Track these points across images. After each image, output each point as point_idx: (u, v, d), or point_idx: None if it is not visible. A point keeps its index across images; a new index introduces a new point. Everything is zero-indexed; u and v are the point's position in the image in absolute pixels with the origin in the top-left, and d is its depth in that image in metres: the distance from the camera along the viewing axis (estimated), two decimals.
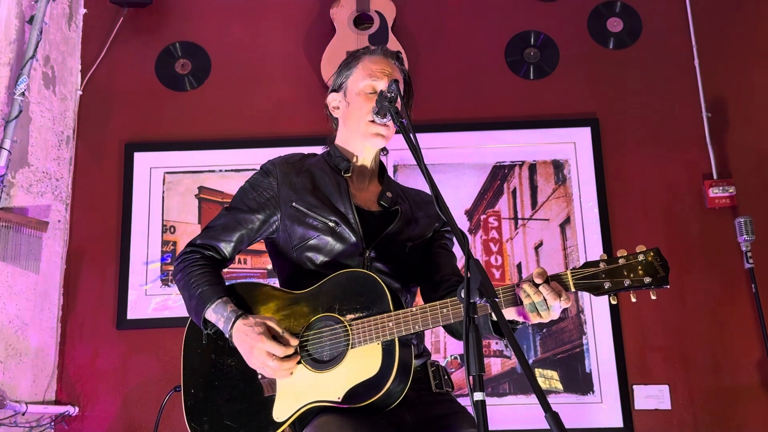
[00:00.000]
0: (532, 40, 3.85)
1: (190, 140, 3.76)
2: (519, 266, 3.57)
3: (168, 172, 3.72)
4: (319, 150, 2.18)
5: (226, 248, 1.99)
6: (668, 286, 1.65)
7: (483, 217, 3.64)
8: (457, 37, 3.89)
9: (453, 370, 3.44)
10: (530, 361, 3.45)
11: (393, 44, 3.67)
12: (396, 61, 2.08)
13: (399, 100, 1.86)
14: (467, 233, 3.61)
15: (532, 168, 3.69)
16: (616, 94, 3.77)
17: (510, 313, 1.74)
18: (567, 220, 3.62)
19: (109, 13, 3.90)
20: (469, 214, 3.65)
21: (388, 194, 2.05)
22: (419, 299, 2.08)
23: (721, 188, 3.55)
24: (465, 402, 1.69)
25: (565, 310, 3.50)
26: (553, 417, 1.31)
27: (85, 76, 3.83)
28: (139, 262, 3.60)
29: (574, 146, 3.69)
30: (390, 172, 3.61)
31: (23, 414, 3.11)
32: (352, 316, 1.80)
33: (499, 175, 3.69)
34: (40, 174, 3.48)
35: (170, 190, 3.70)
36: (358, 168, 2.08)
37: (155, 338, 3.48)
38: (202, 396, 1.90)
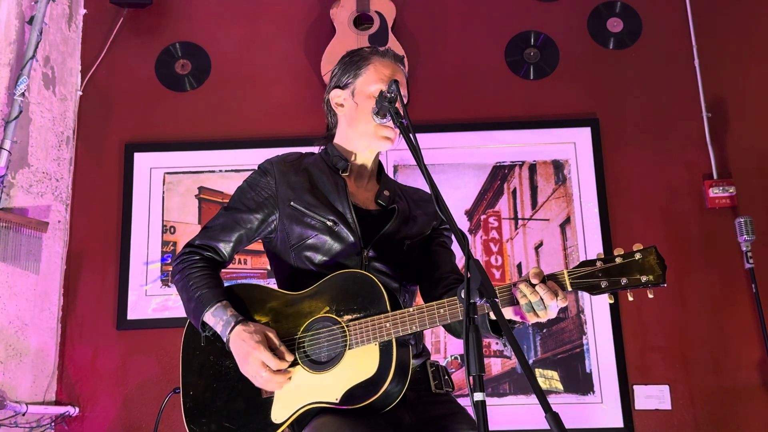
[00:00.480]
0: (532, 40, 3.85)
1: (190, 140, 3.76)
2: (519, 266, 3.57)
3: (168, 173, 3.72)
4: (316, 149, 2.17)
5: (225, 248, 1.99)
6: (665, 285, 1.65)
7: (483, 217, 3.64)
8: (457, 38, 3.89)
9: (453, 370, 3.44)
10: (530, 362, 3.45)
11: (393, 44, 3.67)
12: (402, 66, 2.07)
13: (399, 100, 1.86)
14: (467, 233, 3.61)
15: (532, 168, 3.69)
16: (616, 94, 3.77)
17: (507, 313, 1.74)
18: (567, 220, 3.62)
19: (109, 14, 3.90)
20: (469, 214, 3.65)
21: (386, 193, 2.05)
22: (419, 298, 2.08)
23: (721, 188, 3.55)
24: (465, 402, 1.69)
25: (564, 310, 3.53)
26: (553, 417, 1.31)
27: (85, 77, 3.83)
28: (139, 262, 3.60)
29: (574, 146, 3.69)
30: (390, 173, 3.62)
31: (23, 414, 3.10)
32: (349, 317, 1.80)
33: (499, 175, 3.69)
34: (40, 174, 3.48)
35: (170, 191, 3.70)
36: (357, 167, 2.08)
37: (155, 339, 3.48)
38: (201, 398, 1.90)
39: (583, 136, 3.70)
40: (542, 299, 1.65)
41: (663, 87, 3.76)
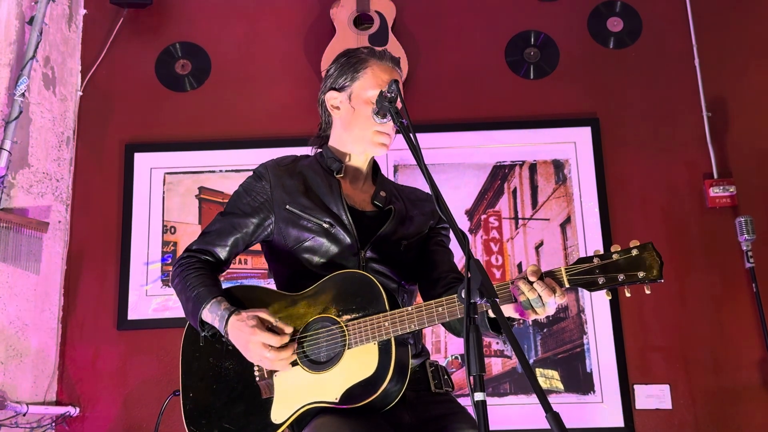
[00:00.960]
0: (533, 39, 3.85)
1: (191, 141, 3.76)
2: (519, 266, 3.57)
3: (168, 173, 3.72)
4: (312, 151, 2.16)
5: (222, 252, 1.99)
6: (662, 281, 1.65)
7: (483, 217, 3.64)
8: (457, 37, 3.89)
9: (454, 369, 3.44)
10: (531, 361, 3.45)
11: (393, 44, 3.67)
12: (399, 69, 2.07)
13: (399, 100, 1.86)
14: (468, 233, 3.61)
15: (533, 168, 3.69)
16: (616, 93, 3.77)
17: (506, 310, 1.74)
18: (567, 220, 3.62)
19: (109, 14, 3.90)
20: (470, 214, 3.65)
21: (382, 194, 2.05)
22: (419, 298, 2.08)
23: (721, 188, 3.55)
24: (465, 402, 1.69)
25: (564, 309, 3.53)
26: (553, 417, 1.31)
27: (85, 77, 3.83)
28: (140, 262, 3.60)
29: (574, 146, 3.69)
30: (390, 173, 3.62)
31: (24, 415, 3.11)
32: (348, 316, 1.80)
33: (500, 174, 3.69)
34: (41, 175, 3.48)
35: (170, 191, 3.70)
36: (352, 169, 2.08)
37: (156, 339, 3.48)
38: (201, 399, 1.90)
39: (583, 135, 3.70)
40: (540, 296, 1.65)
41: (663, 86, 3.76)
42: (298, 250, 1.95)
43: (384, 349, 1.73)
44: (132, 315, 3.53)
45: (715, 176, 3.59)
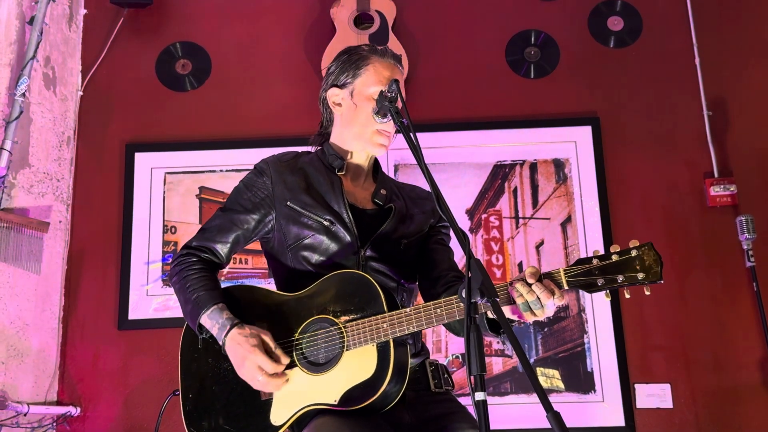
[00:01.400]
0: (533, 39, 3.85)
1: (191, 140, 3.76)
2: (520, 265, 3.57)
3: (169, 173, 3.72)
4: (313, 148, 2.16)
5: (222, 250, 1.98)
6: (662, 281, 1.63)
7: (484, 216, 3.64)
8: (457, 37, 3.88)
9: (455, 369, 3.44)
10: (531, 360, 3.45)
11: (393, 44, 3.66)
12: (400, 66, 2.06)
13: (399, 99, 1.85)
14: (468, 232, 3.60)
15: (533, 167, 3.69)
16: (616, 92, 3.77)
17: (505, 312, 1.72)
18: (568, 219, 3.62)
19: (109, 14, 3.90)
20: (470, 213, 3.65)
21: (383, 191, 2.04)
22: (420, 297, 2.08)
23: (722, 187, 3.55)
24: (466, 401, 1.69)
25: (565, 309, 3.53)
26: (554, 416, 1.30)
27: (86, 77, 3.83)
28: (140, 262, 3.60)
29: (574, 145, 3.69)
30: (391, 172, 3.62)
31: (25, 415, 3.11)
32: (346, 317, 1.79)
33: (500, 174, 3.69)
34: (41, 175, 3.48)
35: (171, 191, 3.70)
36: (353, 166, 2.07)
37: (156, 338, 3.48)
38: (201, 400, 1.89)
39: (583, 134, 3.70)
40: (539, 298, 1.64)
41: (664, 85, 3.76)
42: (297, 247, 1.94)
43: (382, 350, 1.73)
44: (133, 315, 3.53)
45: (716, 175, 3.59)
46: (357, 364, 1.74)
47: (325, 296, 1.84)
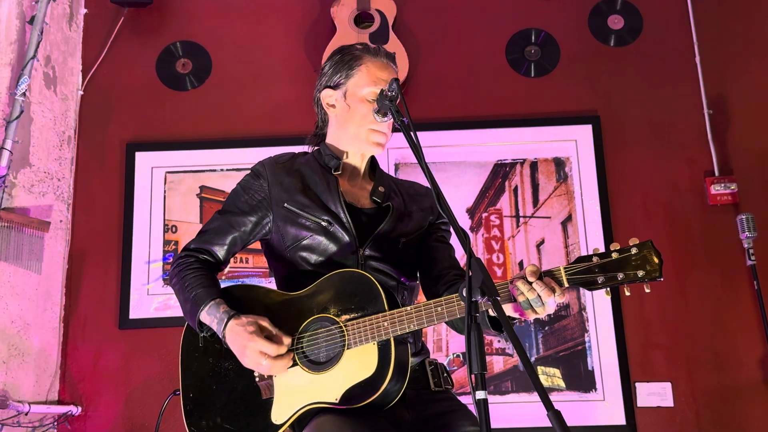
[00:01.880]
0: (533, 37, 3.85)
1: (192, 140, 3.76)
2: (521, 264, 3.57)
3: (169, 172, 3.72)
4: (309, 148, 2.16)
5: (220, 251, 1.99)
6: (662, 279, 1.63)
7: (484, 215, 3.64)
8: (457, 35, 3.88)
9: (456, 368, 3.44)
10: (532, 359, 3.45)
11: (393, 43, 3.66)
12: (394, 65, 2.05)
13: (400, 99, 1.85)
14: (469, 231, 3.60)
15: (534, 166, 3.69)
16: (617, 91, 3.77)
17: (506, 310, 1.72)
18: (569, 218, 3.62)
19: (109, 13, 3.90)
20: (471, 212, 3.65)
21: (380, 189, 2.03)
22: (422, 295, 2.08)
23: (722, 185, 3.55)
24: (466, 400, 1.69)
25: (566, 307, 3.53)
26: (555, 415, 1.30)
27: (86, 76, 3.83)
28: (141, 261, 3.61)
29: (575, 144, 3.69)
30: (391, 171, 3.62)
31: (26, 414, 3.11)
32: (347, 316, 1.79)
33: (501, 173, 3.69)
34: (42, 174, 3.48)
35: (172, 190, 3.70)
36: (350, 166, 2.07)
37: (157, 338, 3.48)
38: (201, 400, 1.90)
39: (584, 133, 3.70)
40: (539, 296, 1.64)
41: (664, 84, 3.76)
42: (296, 248, 1.95)
43: (383, 349, 1.73)
44: (134, 314, 3.54)
45: (716, 174, 3.59)
46: (358, 363, 1.74)
47: (325, 295, 1.84)
